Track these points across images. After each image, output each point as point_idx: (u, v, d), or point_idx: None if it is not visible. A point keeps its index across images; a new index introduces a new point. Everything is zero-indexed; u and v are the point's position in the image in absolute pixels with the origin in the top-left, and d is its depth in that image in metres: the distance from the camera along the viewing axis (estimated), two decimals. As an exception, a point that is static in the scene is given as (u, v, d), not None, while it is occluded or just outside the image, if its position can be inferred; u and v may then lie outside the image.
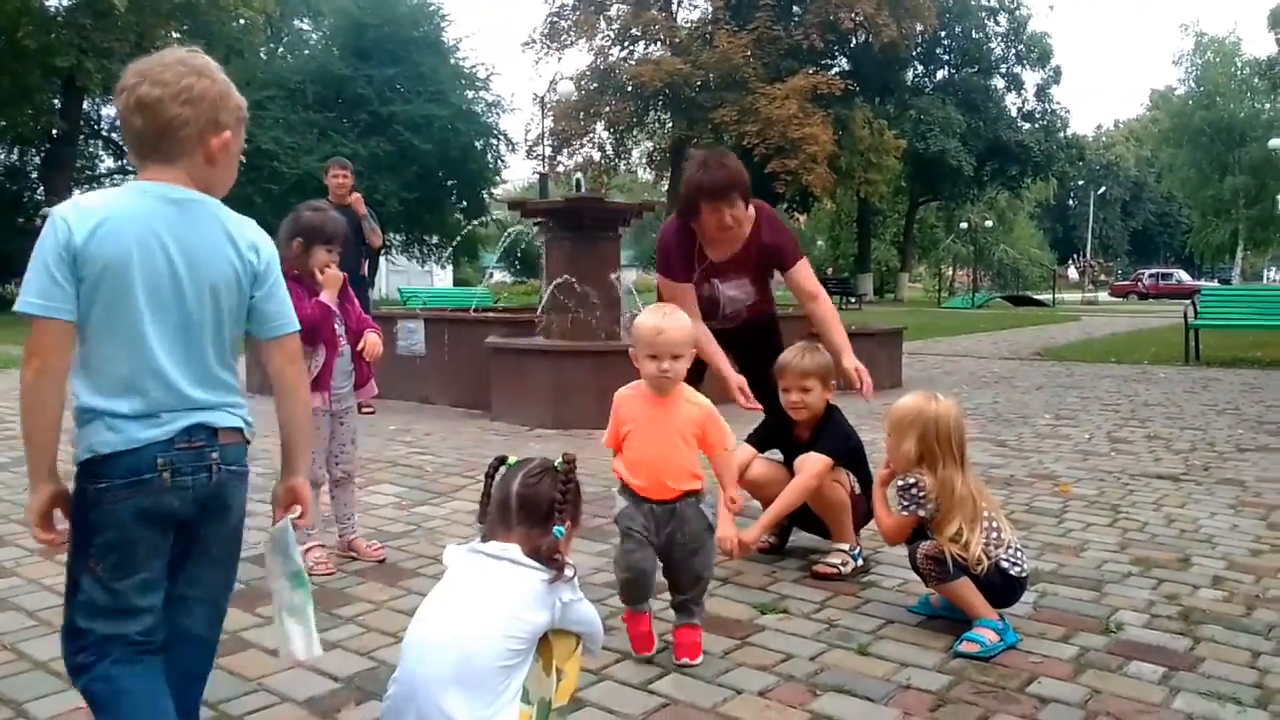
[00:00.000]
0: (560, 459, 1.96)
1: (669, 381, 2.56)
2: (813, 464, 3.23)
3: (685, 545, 2.56)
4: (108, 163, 37.39)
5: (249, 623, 2.86)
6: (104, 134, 35.78)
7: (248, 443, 1.81)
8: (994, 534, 2.74)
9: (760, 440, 3.53)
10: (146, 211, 1.68)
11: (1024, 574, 2.79)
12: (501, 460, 1.97)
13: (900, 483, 2.81)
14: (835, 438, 3.34)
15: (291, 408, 1.86)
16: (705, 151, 3.64)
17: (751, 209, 3.59)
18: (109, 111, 35.30)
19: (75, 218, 1.61)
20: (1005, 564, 2.72)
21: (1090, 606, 3.02)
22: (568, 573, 1.87)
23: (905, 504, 2.79)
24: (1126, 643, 2.73)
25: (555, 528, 1.88)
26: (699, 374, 3.32)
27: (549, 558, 1.84)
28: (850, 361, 3.50)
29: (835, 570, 3.30)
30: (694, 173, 3.50)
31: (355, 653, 2.63)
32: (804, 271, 3.72)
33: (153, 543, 1.68)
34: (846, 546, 3.37)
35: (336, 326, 3.37)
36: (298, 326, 1.87)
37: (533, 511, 1.89)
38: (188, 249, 1.69)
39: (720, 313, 3.80)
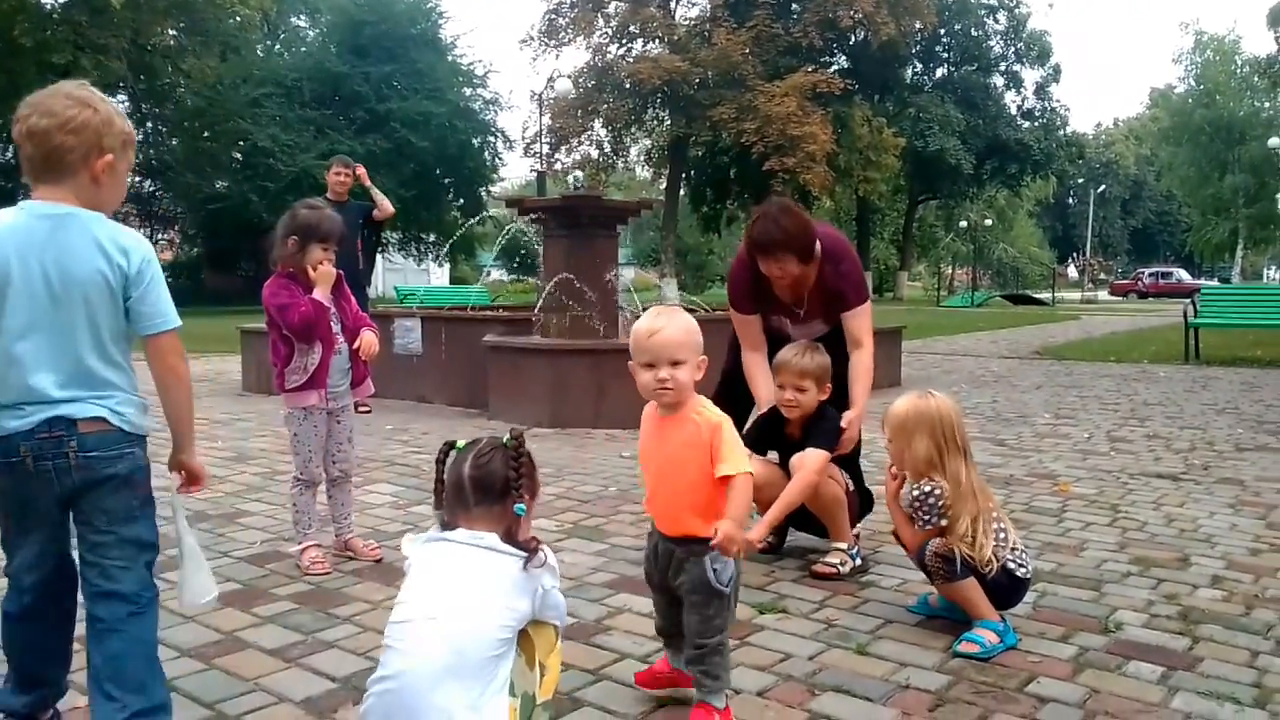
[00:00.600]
0: (508, 435, 1.94)
1: (669, 394, 2.12)
2: (812, 460, 3.18)
3: (685, 599, 2.20)
4: (104, 160, 37.36)
5: (246, 623, 2.86)
6: (102, 131, 35.76)
7: (121, 430, 1.97)
8: (1001, 534, 2.73)
9: (754, 441, 3.47)
10: (25, 228, 1.89)
11: (1028, 575, 2.78)
12: (451, 445, 1.95)
13: (916, 493, 2.76)
14: (829, 434, 3.30)
15: (171, 402, 2.06)
16: (771, 204, 3.54)
17: (818, 250, 3.47)
18: (106, 109, 35.23)
19: None
20: (1011, 565, 2.71)
21: (1089, 606, 3.01)
22: (548, 557, 1.87)
23: (926, 517, 2.75)
24: (1125, 642, 2.72)
25: (516, 505, 1.87)
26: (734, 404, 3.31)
27: (523, 543, 1.84)
28: (855, 417, 3.44)
29: (834, 570, 3.29)
30: (751, 223, 3.50)
31: (352, 652, 2.62)
32: (860, 319, 3.56)
33: (32, 515, 1.97)
34: (845, 545, 3.37)
35: (332, 324, 3.36)
36: (173, 325, 2.01)
37: (488, 490, 1.88)
38: (59, 259, 1.89)
39: (790, 339, 3.64)
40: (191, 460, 2.14)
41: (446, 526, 1.91)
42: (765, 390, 3.46)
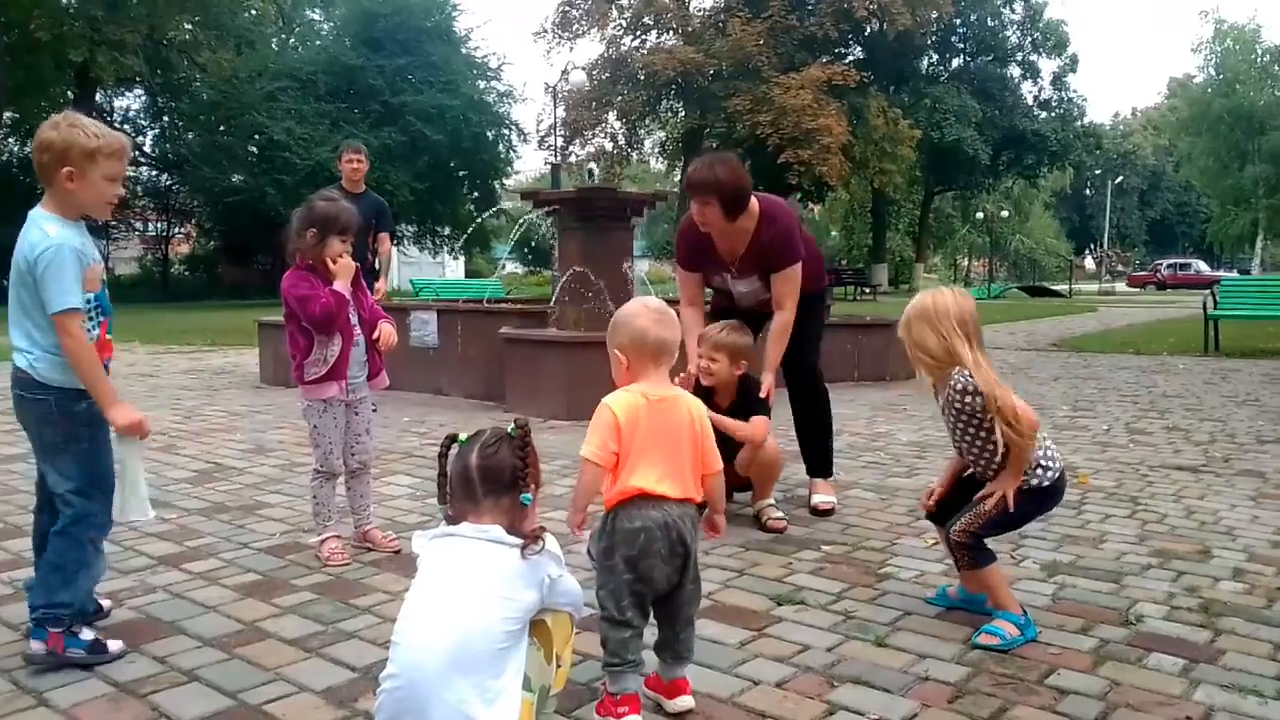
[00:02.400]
0: (513, 425, 1.93)
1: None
2: (761, 424, 3.66)
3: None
4: (122, 154, 37.52)
5: (266, 613, 2.87)
6: (117, 126, 35.89)
7: (31, 377, 2.49)
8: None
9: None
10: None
11: (1059, 470, 2.73)
12: (453, 438, 1.95)
13: (951, 395, 2.64)
14: (760, 401, 3.71)
15: (74, 367, 2.46)
16: (715, 154, 3.92)
17: (755, 208, 3.81)
18: (122, 103, 35.47)
19: None
20: (1043, 464, 2.68)
21: (1109, 598, 3.00)
22: (549, 545, 1.86)
23: (971, 410, 2.61)
24: (1146, 635, 2.70)
25: (523, 495, 1.87)
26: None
27: (527, 532, 1.84)
28: (767, 382, 3.79)
29: (786, 522, 3.77)
30: (691, 166, 3.89)
31: (372, 643, 2.63)
32: (785, 283, 3.86)
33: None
34: (772, 501, 3.86)
35: (351, 316, 3.37)
36: (63, 308, 2.40)
37: (496, 481, 1.87)
38: (17, 245, 2.46)
39: (738, 304, 4.07)
40: (115, 412, 2.52)
41: (452, 521, 1.91)
42: (690, 345, 3.74)
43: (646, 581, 2.17)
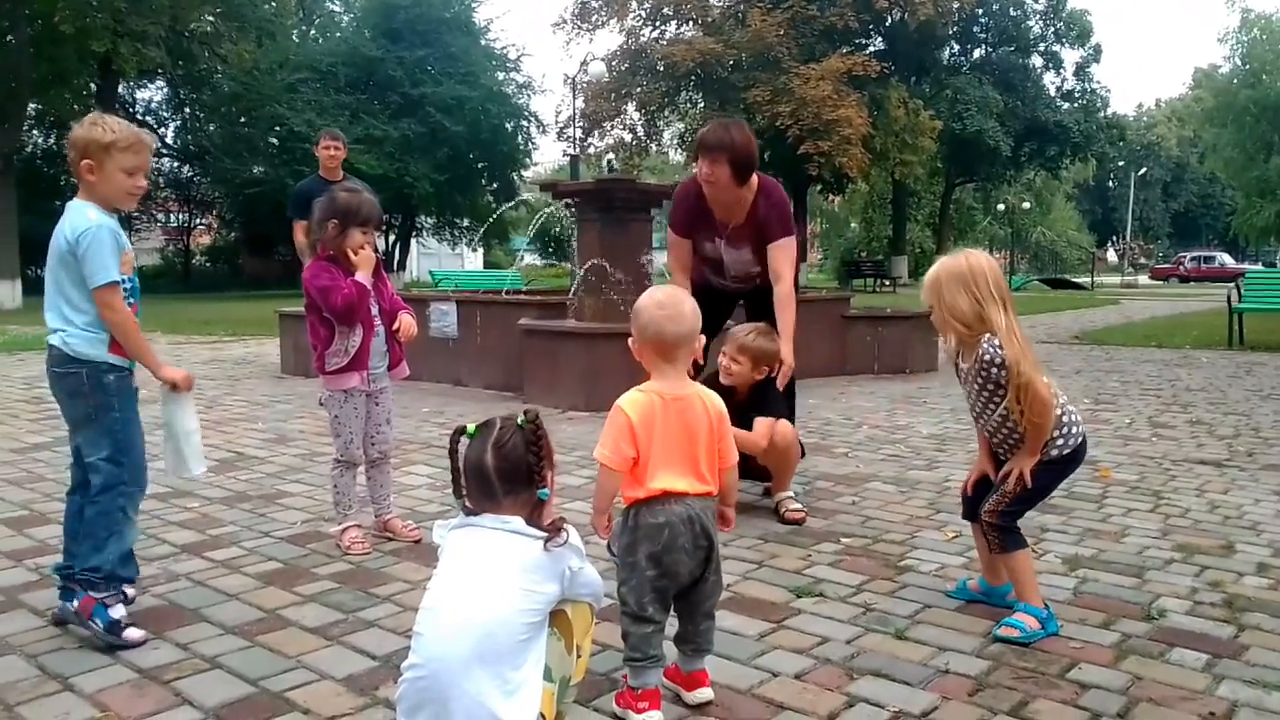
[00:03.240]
0: (523, 415, 1.91)
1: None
2: (762, 430, 3.67)
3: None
4: (146, 146, 37.73)
5: (288, 601, 2.90)
6: (139, 117, 36.13)
7: (64, 353, 2.66)
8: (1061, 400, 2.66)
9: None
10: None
11: (1080, 437, 2.68)
12: (461, 431, 1.93)
13: (980, 362, 2.57)
14: (776, 402, 3.75)
15: (119, 337, 2.67)
16: (729, 118, 4.13)
17: (755, 182, 4.00)
18: (144, 95, 35.66)
19: None
20: (1062, 434, 2.64)
21: (1131, 593, 2.97)
22: (571, 537, 1.86)
23: (997, 380, 2.56)
24: (1169, 629, 2.68)
25: (540, 490, 1.86)
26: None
27: (547, 524, 1.84)
28: (787, 351, 3.81)
29: (804, 513, 3.78)
30: (705, 127, 4.03)
31: (392, 631, 2.65)
32: (782, 252, 4.00)
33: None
34: (791, 494, 3.87)
35: (371, 307, 3.38)
36: (105, 282, 2.59)
37: (515, 478, 1.86)
38: (55, 233, 2.65)
39: (727, 273, 4.24)
40: (163, 372, 2.75)
41: (470, 513, 1.90)
42: None
43: (671, 576, 2.15)
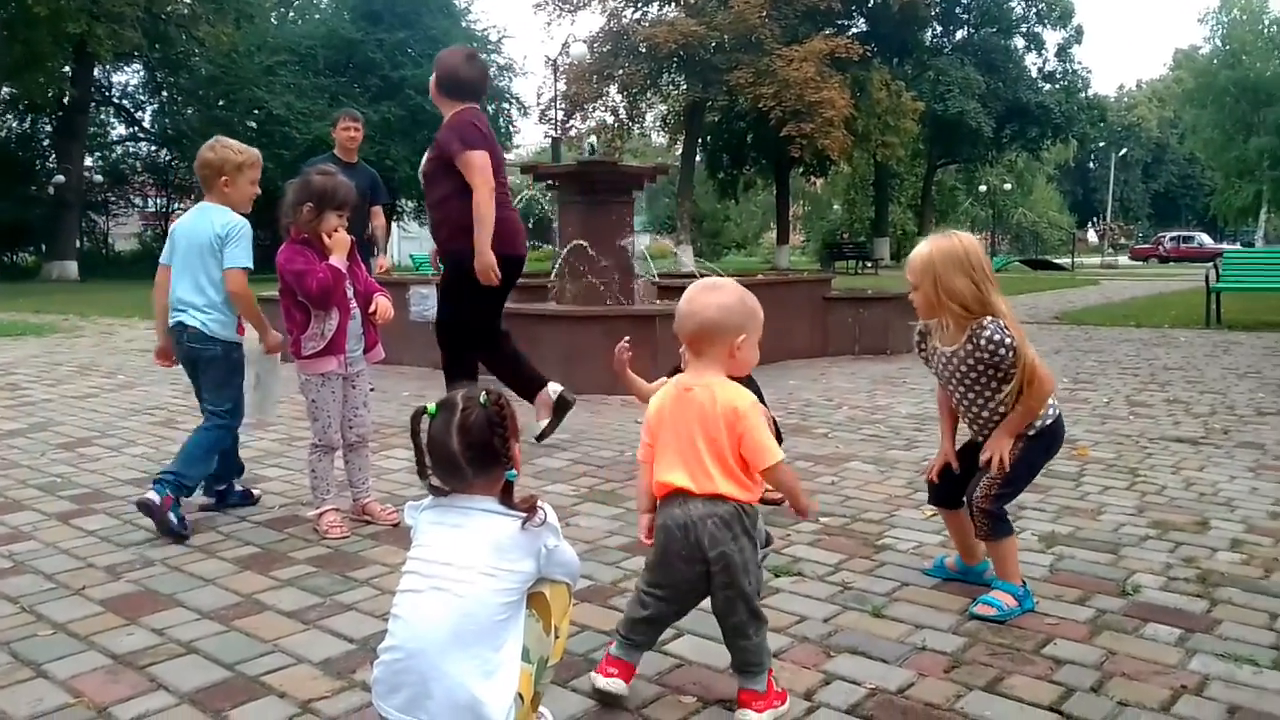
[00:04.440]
0: (484, 395, 1.86)
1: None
2: None
3: None
4: (119, 129, 37.30)
5: (265, 585, 2.88)
6: (115, 101, 35.69)
7: (203, 333, 3.47)
8: None
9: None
10: (189, 215, 3.62)
11: (1056, 409, 2.70)
12: (422, 411, 1.87)
13: (984, 341, 2.52)
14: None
15: (243, 309, 3.53)
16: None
17: (461, 109, 4.50)
18: (120, 79, 35.19)
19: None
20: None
21: (1107, 569, 3.00)
22: (548, 516, 1.84)
23: (1001, 361, 2.53)
24: (1143, 605, 2.71)
25: (507, 472, 1.83)
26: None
27: (520, 502, 1.82)
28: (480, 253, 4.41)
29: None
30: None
31: (370, 614, 2.64)
32: (464, 166, 4.38)
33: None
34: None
35: (347, 290, 3.35)
36: (243, 265, 3.45)
37: (482, 458, 1.82)
38: (191, 229, 3.48)
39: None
40: (270, 339, 3.64)
41: (439, 494, 1.87)
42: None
43: (670, 584, 2.12)
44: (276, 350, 3.62)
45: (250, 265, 3.43)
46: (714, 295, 2.11)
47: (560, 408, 4.80)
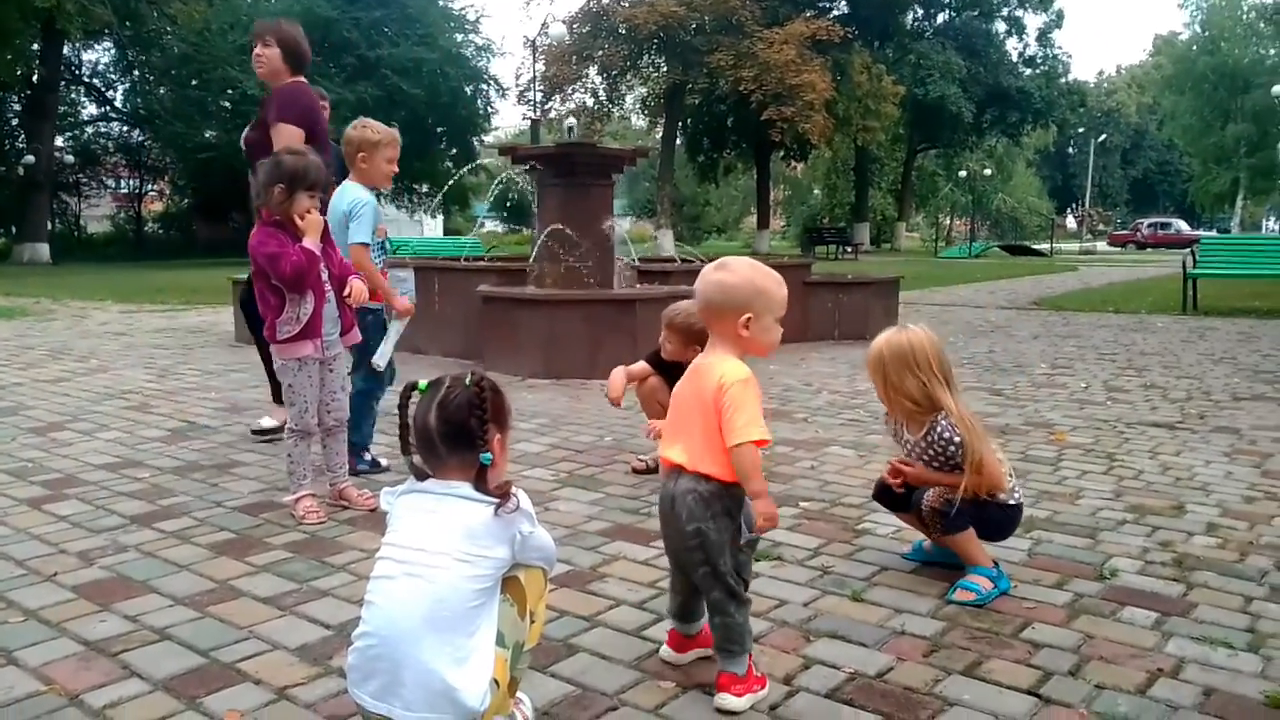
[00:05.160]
0: (469, 376, 1.84)
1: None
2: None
3: None
4: (90, 109, 36.68)
5: (240, 571, 2.85)
6: (86, 80, 35.10)
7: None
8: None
9: (655, 363, 3.91)
10: (335, 191, 3.81)
11: (1021, 501, 2.79)
12: (413, 386, 1.88)
13: (933, 438, 2.67)
14: None
15: (366, 277, 3.66)
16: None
17: (290, 81, 4.40)
18: (90, 57, 34.59)
19: None
20: (1002, 494, 2.71)
21: (1085, 553, 3.02)
22: (522, 502, 1.82)
23: (944, 457, 2.67)
24: (1120, 589, 2.72)
25: (482, 455, 1.81)
26: None
27: (495, 488, 1.80)
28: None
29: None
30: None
31: (347, 600, 2.61)
32: (276, 138, 4.16)
33: None
34: None
35: (321, 272, 3.31)
36: (361, 241, 3.77)
37: (457, 439, 1.80)
38: (334, 206, 3.76)
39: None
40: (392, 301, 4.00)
41: (420, 473, 1.86)
42: None
43: (670, 554, 2.21)
44: (406, 314, 3.99)
45: (367, 241, 3.77)
46: (718, 274, 2.12)
47: None
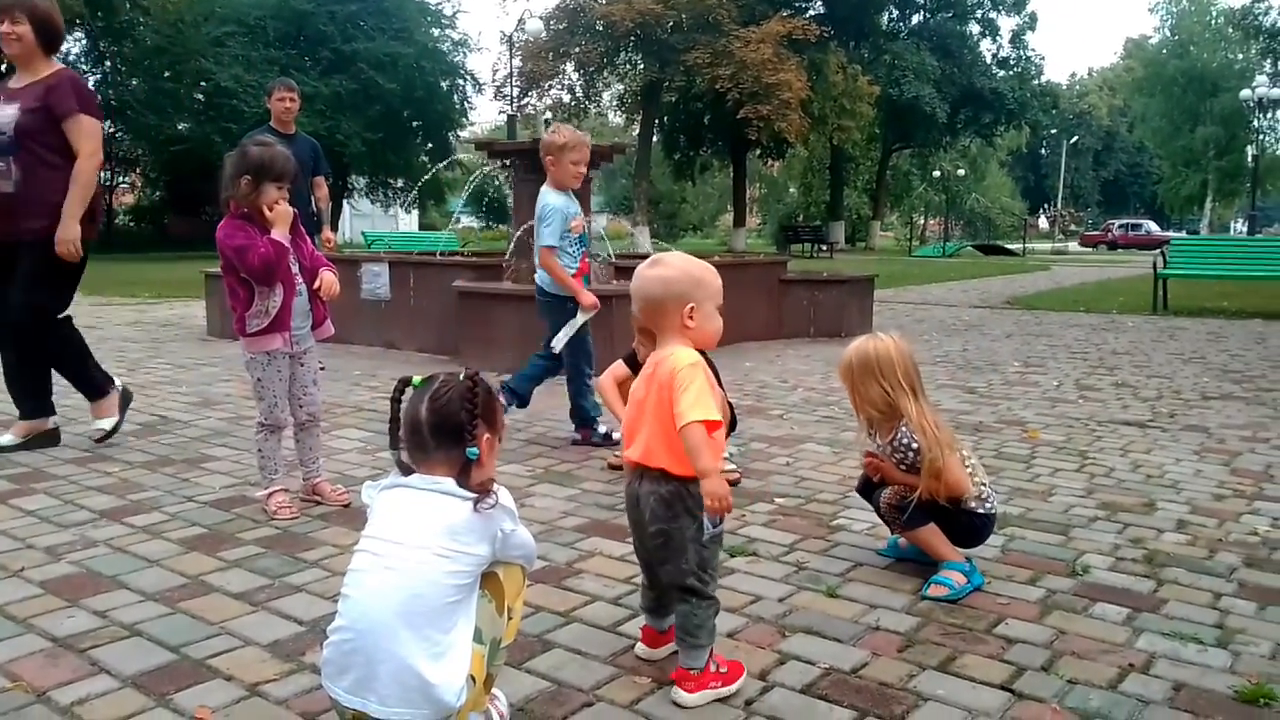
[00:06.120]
0: (463, 373, 1.86)
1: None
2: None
3: None
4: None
5: (212, 567, 2.82)
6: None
7: (542, 288, 4.45)
8: (970, 469, 2.75)
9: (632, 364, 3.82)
10: None
11: (994, 510, 2.81)
12: (407, 381, 1.87)
13: (894, 443, 2.76)
14: None
15: (553, 276, 4.31)
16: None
17: (55, 67, 4.09)
18: (62, 47, 34.06)
19: None
20: (974, 504, 2.73)
21: (1057, 550, 3.04)
22: (503, 499, 1.81)
23: (905, 460, 2.75)
24: (1092, 585, 2.75)
25: (468, 449, 1.80)
26: None
27: (477, 485, 1.79)
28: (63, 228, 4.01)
29: (739, 472, 3.82)
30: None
31: (320, 596, 2.59)
32: (73, 131, 4.00)
33: None
34: (726, 454, 3.71)
35: (291, 265, 3.26)
36: (545, 244, 4.23)
37: (446, 434, 1.80)
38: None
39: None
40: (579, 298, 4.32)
41: (405, 469, 1.85)
42: None
43: (638, 550, 2.22)
44: (593, 309, 4.31)
45: (551, 244, 4.20)
46: (655, 270, 2.13)
47: (125, 402, 4.54)
